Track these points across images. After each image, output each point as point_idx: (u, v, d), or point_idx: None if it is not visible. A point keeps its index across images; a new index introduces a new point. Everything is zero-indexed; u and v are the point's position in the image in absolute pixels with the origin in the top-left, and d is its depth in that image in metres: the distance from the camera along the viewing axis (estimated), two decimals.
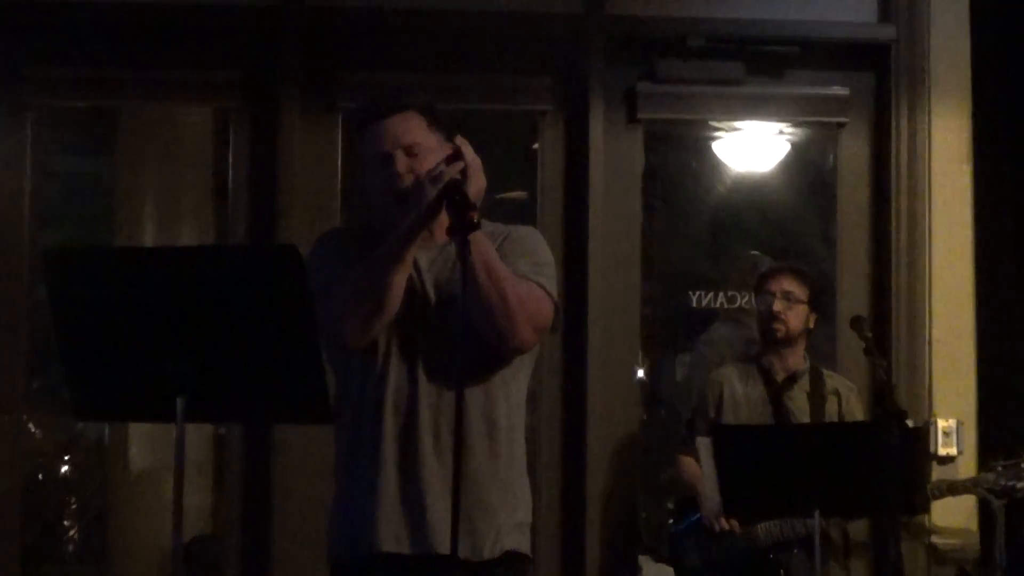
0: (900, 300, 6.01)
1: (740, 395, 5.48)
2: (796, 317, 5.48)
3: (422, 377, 3.43)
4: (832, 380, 5.53)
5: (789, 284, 5.49)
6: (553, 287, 3.52)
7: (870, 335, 5.00)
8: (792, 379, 5.48)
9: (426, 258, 3.48)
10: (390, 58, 6.03)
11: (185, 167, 7.12)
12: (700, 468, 5.22)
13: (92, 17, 5.97)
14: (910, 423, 4.90)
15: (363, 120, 3.52)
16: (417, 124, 3.48)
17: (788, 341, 5.48)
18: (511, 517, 3.49)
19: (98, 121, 7.51)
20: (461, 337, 3.20)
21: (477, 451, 3.44)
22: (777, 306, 5.46)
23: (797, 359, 5.52)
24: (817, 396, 5.44)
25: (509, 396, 3.51)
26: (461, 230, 3.23)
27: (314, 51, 6.03)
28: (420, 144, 3.45)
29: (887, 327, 6.01)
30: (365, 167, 3.51)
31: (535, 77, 6.12)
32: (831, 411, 5.43)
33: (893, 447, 4.41)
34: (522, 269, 3.46)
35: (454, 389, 3.26)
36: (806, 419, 5.38)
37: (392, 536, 3.40)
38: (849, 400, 5.48)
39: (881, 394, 5.15)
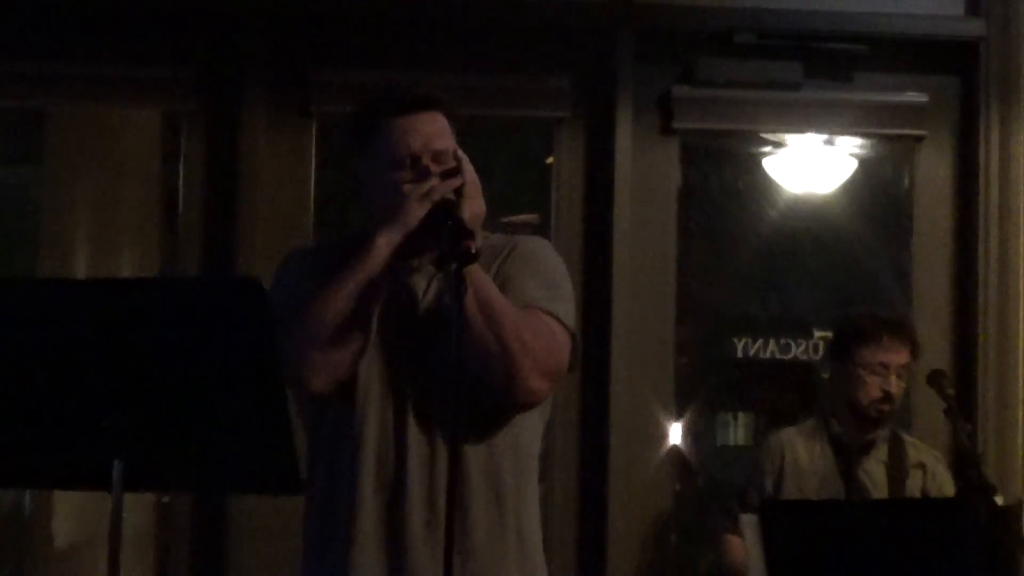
0: (988, 350, 6.02)
1: (805, 464, 5.41)
2: (902, 390, 5.39)
3: (412, 430, 3.37)
4: (916, 450, 5.44)
5: (902, 354, 5.34)
6: (570, 312, 3.48)
7: (952, 393, 4.99)
8: (868, 447, 5.41)
9: (423, 284, 3.44)
10: (375, 53, 6.02)
11: (127, 180, 7.13)
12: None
13: (17, 3, 5.98)
14: (1000, 500, 4.88)
15: (381, 111, 3.45)
16: (445, 128, 3.46)
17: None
18: None
19: (23, 124, 7.54)
20: (454, 385, 3.13)
21: (481, 520, 3.39)
22: (895, 387, 5.33)
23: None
24: (898, 468, 5.39)
25: (518, 449, 3.46)
26: (454, 261, 3.17)
27: (283, 44, 6.05)
28: (446, 153, 3.41)
29: (973, 383, 6.01)
30: (376, 168, 3.43)
31: (551, 77, 6.14)
32: (913, 487, 5.36)
33: (979, 528, 4.40)
34: (531, 295, 3.42)
35: (449, 444, 3.24)
36: (883, 495, 5.34)
37: None
38: (936, 474, 5.41)
39: (965, 464, 5.14)
